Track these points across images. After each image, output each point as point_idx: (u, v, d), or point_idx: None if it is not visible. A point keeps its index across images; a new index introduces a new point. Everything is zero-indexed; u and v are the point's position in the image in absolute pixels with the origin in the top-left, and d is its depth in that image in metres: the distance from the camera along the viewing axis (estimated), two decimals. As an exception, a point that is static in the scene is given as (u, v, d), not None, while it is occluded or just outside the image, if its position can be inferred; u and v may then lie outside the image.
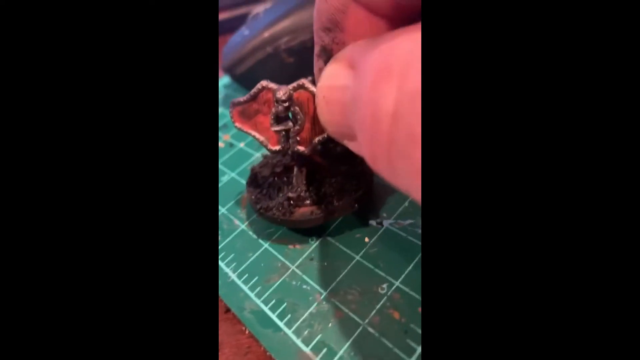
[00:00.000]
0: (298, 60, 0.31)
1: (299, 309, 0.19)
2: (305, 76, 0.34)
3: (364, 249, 0.20)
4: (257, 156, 0.29)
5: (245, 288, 0.20)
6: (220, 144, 0.31)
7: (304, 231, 0.22)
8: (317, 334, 0.18)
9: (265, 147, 0.20)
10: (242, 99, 0.20)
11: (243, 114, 0.20)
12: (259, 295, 0.20)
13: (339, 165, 0.22)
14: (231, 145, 0.31)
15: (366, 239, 0.21)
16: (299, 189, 0.21)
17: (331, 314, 0.18)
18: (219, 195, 0.26)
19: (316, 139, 0.19)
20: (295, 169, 0.21)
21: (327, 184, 0.21)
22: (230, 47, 0.35)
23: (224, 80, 0.40)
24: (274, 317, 0.19)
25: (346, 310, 0.18)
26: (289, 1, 0.32)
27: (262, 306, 0.19)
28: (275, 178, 0.23)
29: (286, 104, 0.18)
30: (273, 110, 0.19)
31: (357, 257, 0.20)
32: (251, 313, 0.19)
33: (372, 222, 0.21)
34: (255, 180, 0.24)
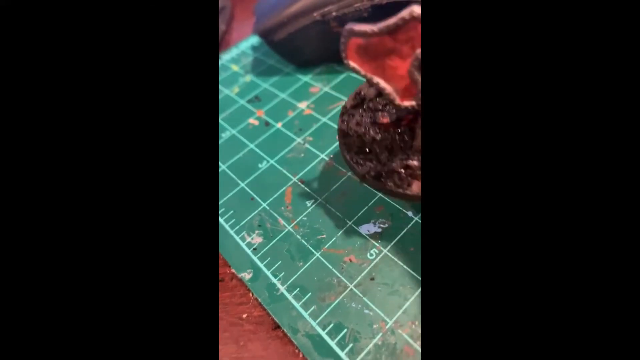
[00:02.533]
0: (349, 32, 0.27)
1: (361, 338, 0.17)
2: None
3: (433, 273, 0.18)
4: (299, 141, 0.26)
5: (297, 305, 0.18)
6: (253, 121, 0.28)
7: (361, 240, 0.20)
8: (383, 370, 0.16)
9: (392, 101, 0.15)
10: (368, 28, 0.14)
11: (365, 50, 0.14)
12: (314, 316, 0.18)
13: None
14: (267, 124, 0.28)
15: (435, 261, 0.19)
16: (422, 156, 0.16)
17: (400, 348, 0.16)
18: (257, 186, 0.24)
19: None
20: (420, 129, 0.16)
21: None
22: (266, 7, 0.30)
23: (251, 41, 0.36)
24: (333, 344, 0.17)
25: (416, 347, 0.16)
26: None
27: (319, 330, 0.17)
28: (380, 130, 0.18)
29: None
30: (420, 54, 0.13)
31: (426, 282, 0.18)
32: (306, 337, 0.17)
33: (441, 241, 0.19)
34: (349, 129, 0.18)
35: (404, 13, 0.13)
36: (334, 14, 0.26)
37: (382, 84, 0.15)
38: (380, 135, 0.18)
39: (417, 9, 0.13)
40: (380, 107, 0.18)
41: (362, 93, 0.19)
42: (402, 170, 0.17)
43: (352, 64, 0.15)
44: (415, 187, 0.17)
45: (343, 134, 0.19)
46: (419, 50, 0.14)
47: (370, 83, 0.15)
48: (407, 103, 0.15)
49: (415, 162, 0.17)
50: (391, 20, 0.14)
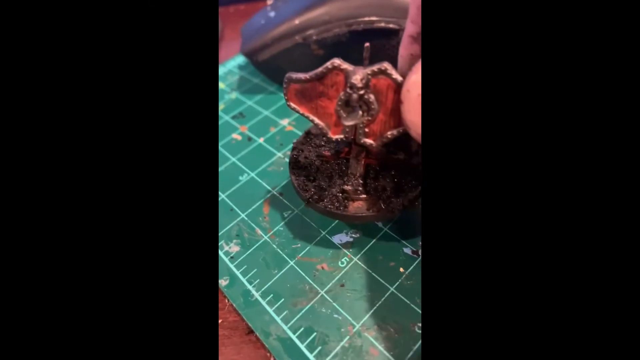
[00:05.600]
0: (329, 54, 0.28)
1: (329, 341, 0.18)
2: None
3: (399, 280, 0.19)
4: (279, 155, 0.27)
5: (270, 310, 0.19)
6: (237, 136, 0.29)
7: (334, 249, 0.21)
8: (349, 371, 0.17)
9: (325, 134, 0.18)
10: (302, 75, 0.17)
11: (302, 94, 0.17)
12: (285, 321, 0.19)
13: (394, 154, 0.20)
14: (249, 139, 0.29)
15: (401, 269, 0.20)
16: (355, 182, 0.19)
17: (365, 350, 0.17)
18: (237, 198, 0.25)
19: (389, 133, 0.17)
20: (352, 159, 0.19)
21: (383, 176, 0.20)
22: (252, 29, 0.32)
23: (238, 60, 0.37)
24: (302, 347, 0.18)
25: (381, 348, 0.17)
26: (323, -15, 0.29)
27: (290, 333, 0.18)
28: (323, 162, 0.21)
29: (362, 92, 0.16)
30: (342, 95, 0.16)
31: (392, 289, 0.19)
32: (278, 340, 0.18)
33: (407, 251, 0.20)
34: (298, 161, 0.21)
35: (327, 63, 0.16)
36: (315, 37, 0.28)
37: (317, 120, 0.18)
38: (323, 166, 0.21)
39: (336, 60, 0.16)
40: (323, 143, 0.22)
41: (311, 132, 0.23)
42: (340, 194, 0.19)
43: (293, 104, 0.18)
44: (351, 209, 0.19)
45: (292, 165, 0.21)
46: (343, 95, 0.16)
47: (307, 119, 0.18)
48: (337, 136, 0.18)
49: (349, 187, 0.19)
50: (319, 69, 0.17)
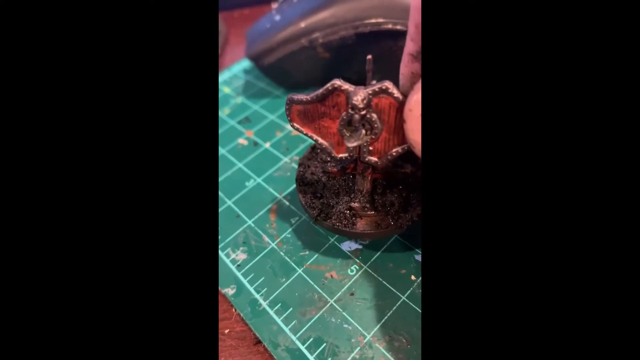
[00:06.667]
0: (335, 57, 0.28)
1: (340, 352, 0.17)
2: (341, 75, 0.31)
3: (411, 289, 0.19)
4: (286, 160, 0.27)
5: (278, 320, 0.19)
6: (243, 141, 0.29)
7: (342, 257, 0.21)
8: (360, 384, 0.16)
9: (329, 153, 0.18)
10: (304, 97, 0.17)
11: (304, 114, 0.17)
12: (294, 331, 0.18)
13: (401, 167, 0.20)
14: (255, 144, 0.28)
15: (412, 277, 0.19)
16: (362, 199, 0.19)
17: (376, 362, 0.17)
18: (243, 204, 0.24)
19: (393, 151, 0.16)
20: (358, 175, 0.19)
21: (391, 191, 0.20)
22: (257, 32, 0.31)
23: (243, 64, 0.37)
24: (312, 358, 0.17)
25: (393, 360, 0.17)
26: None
27: (299, 344, 0.18)
28: (329, 178, 0.21)
29: (363, 112, 0.15)
30: (344, 116, 0.16)
31: (403, 298, 0.18)
32: (286, 351, 0.18)
33: (419, 258, 0.20)
34: (304, 178, 0.21)
35: (328, 85, 0.16)
36: (321, 40, 0.27)
37: (320, 140, 0.18)
38: (330, 182, 0.21)
39: (337, 81, 0.16)
40: (329, 159, 0.22)
41: (317, 149, 0.22)
42: (347, 211, 0.19)
43: (296, 125, 0.18)
44: (359, 226, 0.19)
45: (299, 182, 0.21)
46: (345, 115, 0.16)
47: (310, 139, 0.18)
48: (342, 155, 0.18)
49: (356, 204, 0.19)
50: (319, 91, 0.16)
